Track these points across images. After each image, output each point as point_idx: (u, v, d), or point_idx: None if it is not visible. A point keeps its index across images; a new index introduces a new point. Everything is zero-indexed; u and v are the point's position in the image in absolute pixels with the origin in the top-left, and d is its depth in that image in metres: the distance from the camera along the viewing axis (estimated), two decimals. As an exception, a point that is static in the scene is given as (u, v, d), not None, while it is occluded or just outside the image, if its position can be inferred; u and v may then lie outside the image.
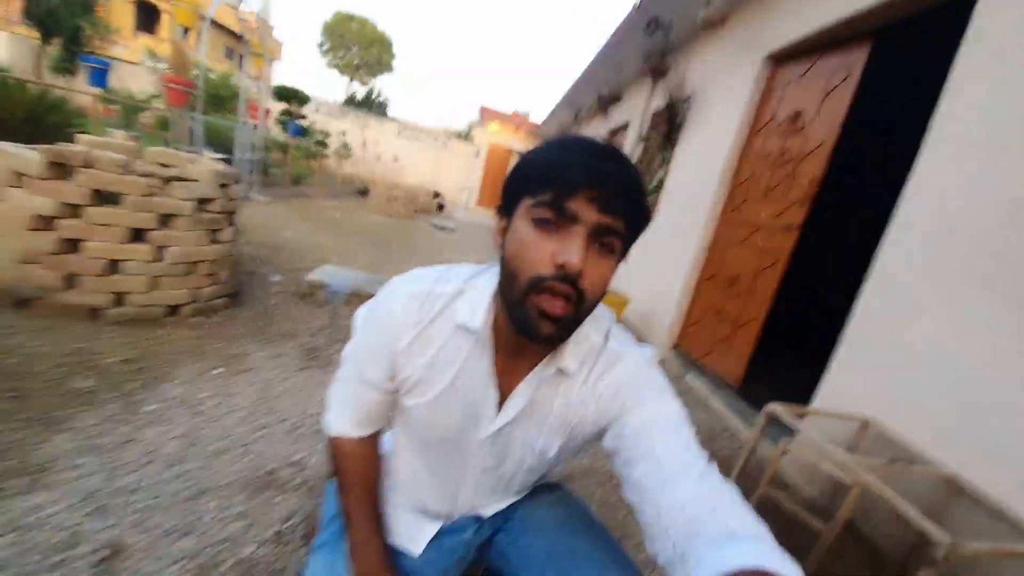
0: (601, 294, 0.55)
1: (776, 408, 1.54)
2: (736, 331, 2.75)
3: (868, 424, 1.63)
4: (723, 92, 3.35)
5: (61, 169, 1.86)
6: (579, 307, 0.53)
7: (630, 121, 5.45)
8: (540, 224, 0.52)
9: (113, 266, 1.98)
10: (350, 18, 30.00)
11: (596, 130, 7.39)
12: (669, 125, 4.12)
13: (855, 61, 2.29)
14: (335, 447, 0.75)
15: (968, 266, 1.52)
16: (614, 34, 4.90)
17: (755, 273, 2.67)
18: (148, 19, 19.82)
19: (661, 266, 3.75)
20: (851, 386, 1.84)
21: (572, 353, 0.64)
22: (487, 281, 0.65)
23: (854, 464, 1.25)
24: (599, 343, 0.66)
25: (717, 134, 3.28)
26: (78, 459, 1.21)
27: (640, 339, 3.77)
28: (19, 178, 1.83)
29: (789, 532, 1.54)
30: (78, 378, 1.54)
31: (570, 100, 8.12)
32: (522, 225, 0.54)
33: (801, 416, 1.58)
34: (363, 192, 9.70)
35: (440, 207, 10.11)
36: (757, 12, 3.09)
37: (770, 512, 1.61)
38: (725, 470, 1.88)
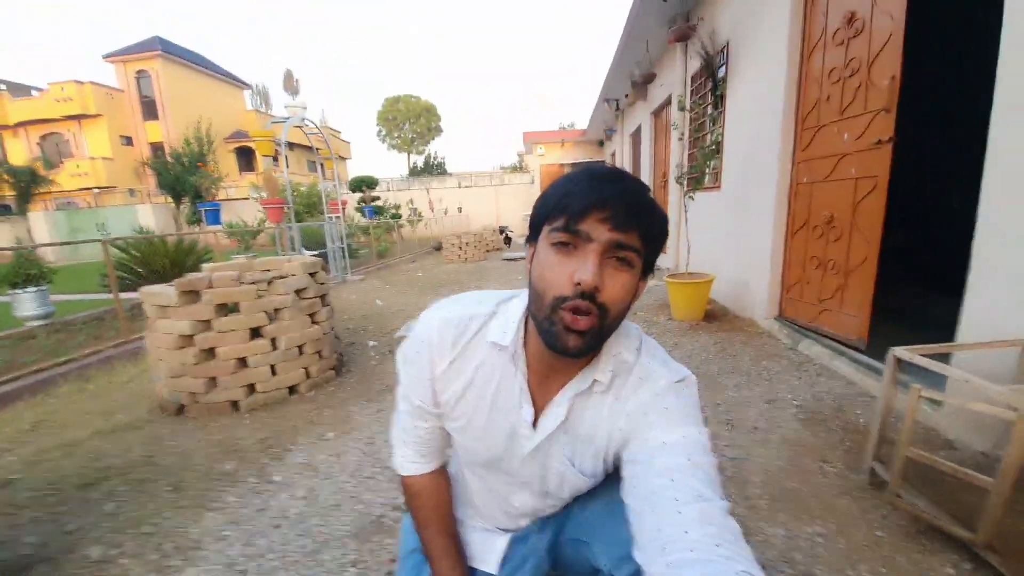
0: (624, 306, 0.58)
1: (903, 352, 1.27)
2: (847, 279, 2.35)
3: None
4: (760, 25, 3.03)
5: (192, 295, 2.28)
6: (603, 320, 0.56)
7: (672, 94, 5.17)
8: (559, 247, 0.56)
9: (242, 363, 2.34)
10: (396, 100, 33.29)
11: (639, 116, 7.12)
12: (712, 82, 3.83)
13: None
14: (406, 487, 0.80)
15: None
16: (631, 10, 4.76)
17: (853, 206, 2.29)
18: (247, 160, 24.07)
19: (740, 233, 3.41)
20: (998, 308, 1.47)
21: (604, 367, 0.65)
22: (519, 303, 0.69)
23: (1010, 395, 0.97)
24: (631, 359, 0.66)
25: (766, 70, 2.96)
26: (223, 532, 1.41)
27: (736, 315, 3.45)
28: (164, 310, 2.29)
29: (954, 497, 1.24)
30: (223, 463, 1.82)
31: (607, 94, 7.97)
32: (543, 249, 0.58)
33: (939, 356, 1.27)
34: (438, 248, 10.40)
35: (507, 240, 10.38)
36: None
37: (926, 479, 1.32)
38: (864, 440, 1.60)
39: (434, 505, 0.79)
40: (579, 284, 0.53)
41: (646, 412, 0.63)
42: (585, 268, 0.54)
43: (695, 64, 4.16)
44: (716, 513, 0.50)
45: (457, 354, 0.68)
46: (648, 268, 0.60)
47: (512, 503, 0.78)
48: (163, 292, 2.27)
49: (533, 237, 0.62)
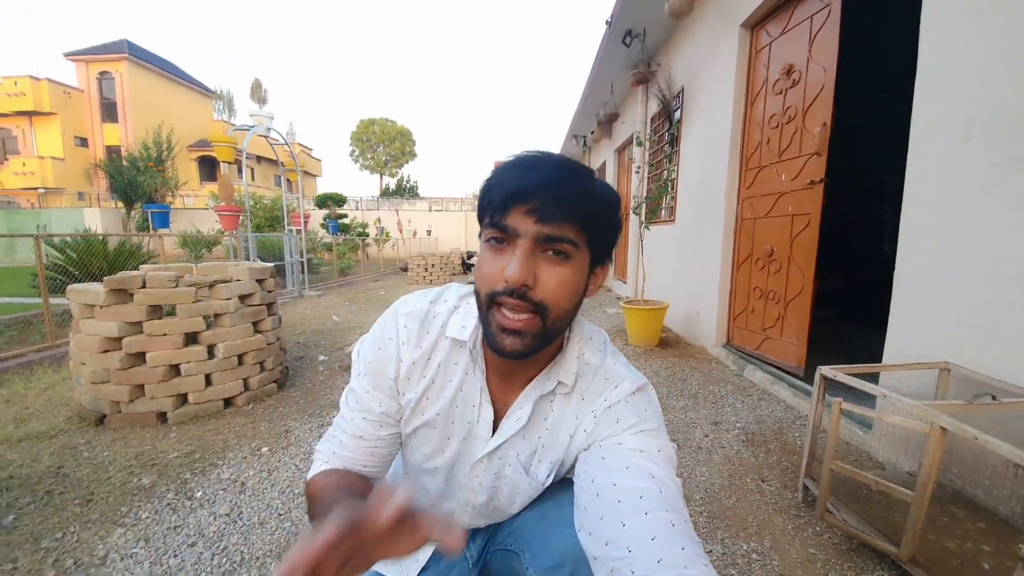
0: (568, 303, 0.54)
1: (828, 371, 1.34)
2: (786, 309, 2.49)
3: (947, 369, 1.37)
4: (710, 75, 3.29)
5: (123, 294, 2.13)
6: (544, 319, 0.53)
7: (634, 133, 5.45)
8: (492, 244, 0.54)
9: (173, 370, 2.19)
10: (371, 122, 33.43)
11: (605, 153, 7.45)
12: (669, 123, 4.08)
13: (832, -7, 2.19)
14: (309, 489, 0.63)
15: (1005, 156, 1.31)
16: (597, 55, 5.06)
17: (790, 241, 2.46)
18: (210, 171, 23.30)
19: (693, 264, 3.57)
20: (920, 334, 1.60)
21: (568, 369, 0.63)
22: None
23: (922, 408, 1.04)
24: (596, 362, 0.64)
25: (715, 115, 3.19)
26: (132, 549, 1.28)
27: (688, 342, 3.57)
28: (91, 310, 2.13)
29: (883, 515, 1.29)
30: (140, 477, 1.67)
31: (575, 131, 8.31)
32: (481, 245, 0.57)
33: (862, 375, 1.36)
34: (404, 269, 10.28)
35: (467, 267, 10.27)
36: (719, -11, 3.09)
37: (855, 496, 1.37)
38: (800, 460, 1.67)
39: (344, 482, 0.62)
40: (507, 281, 0.51)
41: (616, 416, 0.60)
42: (512, 264, 0.51)
43: (654, 106, 4.44)
44: (689, 531, 0.48)
45: (421, 352, 0.64)
46: (599, 256, 0.57)
47: (456, 516, 0.72)
48: (91, 290, 2.12)
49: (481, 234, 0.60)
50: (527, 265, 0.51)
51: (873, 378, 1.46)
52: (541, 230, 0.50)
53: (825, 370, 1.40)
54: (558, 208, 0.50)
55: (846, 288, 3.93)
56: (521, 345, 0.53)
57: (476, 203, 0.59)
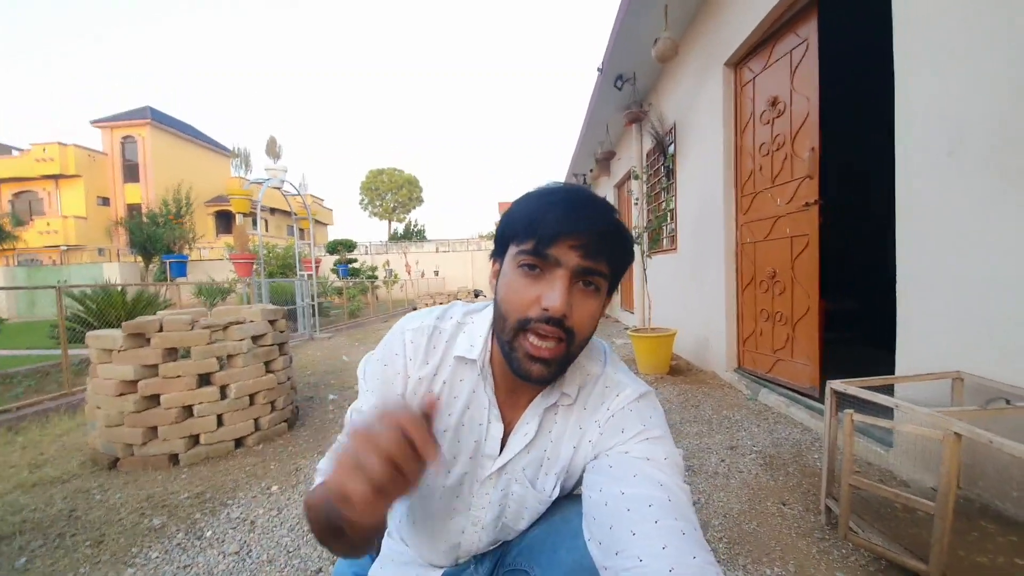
0: (591, 330, 0.58)
1: (838, 384, 1.34)
2: (795, 330, 2.48)
3: (960, 379, 1.36)
4: (699, 110, 3.45)
5: (140, 338, 2.19)
6: (570, 345, 0.55)
7: (630, 169, 5.63)
8: (526, 269, 0.55)
9: (186, 412, 2.21)
10: (380, 172, 34.75)
11: (604, 189, 7.66)
12: (664, 158, 4.23)
13: (808, 29, 2.33)
14: (306, 501, 0.59)
15: (994, 165, 1.35)
16: (591, 99, 5.33)
17: (792, 262, 2.48)
18: (226, 224, 24.14)
19: (698, 290, 3.59)
20: (929, 348, 1.60)
21: (571, 381, 0.64)
22: (486, 315, 0.67)
23: (937, 415, 1.03)
24: (597, 371, 0.66)
25: (708, 147, 3.32)
26: (141, 589, 1.27)
27: (699, 369, 3.53)
28: (108, 354, 2.19)
29: (908, 533, 1.25)
30: (151, 518, 1.66)
31: (574, 170, 8.59)
32: (510, 270, 0.56)
33: (874, 388, 1.35)
34: (414, 309, 10.40)
35: None
36: (701, 32, 3.31)
37: (879, 515, 1.33)
38: (820, 480, 1.62)
39: None
40: (547, 310, 0.52)
41: (621, 425, 0.60)
42: (553, 294, 0.52)
43: (648, 142, 4.62)
44: (700, 540, 0.48)
45: (428, 368, 0.65)
46: (613, 287, 0.59)
47: (459, 542, 0.70)
48: (110, 335, 2.19)
49: (499, 253, 0.60)
50: (568, 296, 0.53)
51: (886, 391, 1.45)
52: (582, 263, 0.53)
53: (835, 384, 1.39)
54: (600, 246, 0.53)
55: (857, 309, 3.90)
56: (548, 372, 0.55)
57: (491, 236, 0.62)
